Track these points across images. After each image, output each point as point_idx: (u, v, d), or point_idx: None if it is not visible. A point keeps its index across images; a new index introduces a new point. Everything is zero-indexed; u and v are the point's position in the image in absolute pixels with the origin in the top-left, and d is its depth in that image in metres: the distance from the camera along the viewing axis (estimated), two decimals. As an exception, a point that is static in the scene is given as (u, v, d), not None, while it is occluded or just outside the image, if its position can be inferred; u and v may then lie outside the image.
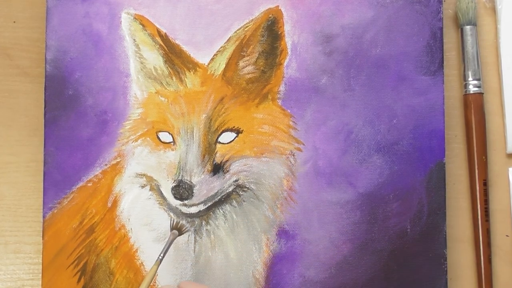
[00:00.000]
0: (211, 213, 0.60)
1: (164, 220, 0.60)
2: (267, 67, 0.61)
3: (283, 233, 0.60)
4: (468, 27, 0.64)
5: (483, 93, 0.64)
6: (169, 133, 0.61)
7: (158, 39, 0.61)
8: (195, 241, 0.60)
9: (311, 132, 0.61)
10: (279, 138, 0.61)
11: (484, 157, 0.63)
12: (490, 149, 0.64)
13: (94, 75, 0.61)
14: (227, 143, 0.60)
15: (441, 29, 0.61)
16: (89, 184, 0.60)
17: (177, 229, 0.59)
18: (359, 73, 0.61)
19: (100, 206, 0.60)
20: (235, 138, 0.60)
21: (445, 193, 0.60)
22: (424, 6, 0.61)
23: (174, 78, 0.61)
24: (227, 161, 0.60)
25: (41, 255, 0.60)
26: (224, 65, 0.61)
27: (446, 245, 0.60)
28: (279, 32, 0.61)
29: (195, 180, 0.59)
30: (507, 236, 0.63)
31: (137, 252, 0.60)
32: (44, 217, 0.60)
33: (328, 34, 0.61)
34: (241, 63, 0.61)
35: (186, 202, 0.60)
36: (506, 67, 0.64)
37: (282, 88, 0.61)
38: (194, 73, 0.61)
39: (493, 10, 0.65)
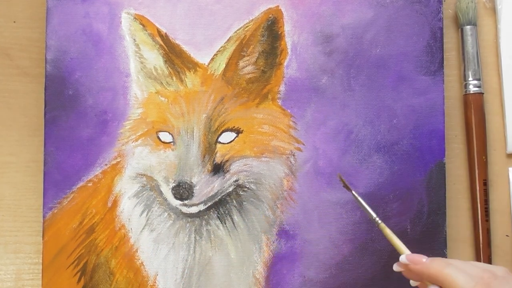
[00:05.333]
0: (211, 213, 0.60)
1: (164, 221, 0.60)
2: (267, 67, 0.61)
3: (283, 233, 0.60)
4: (468, 27, 0.64)
5: (483, 93, 0.64)
6: (169, 133, 0.61)
7: (158, 39, 0.61)
8: (195, 241, 0.60)
9: (311, 132, 0.61)
10: (279, 138, 0.61)
11: (484, 157, 0.63)
12: (490, 149, 0.64)
13: (94, 75, 0.61)
14: (227, 143, 0.60)
15: (441, 29, 0.61)
16: (89, 184, 0.60)
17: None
18: (359, 73, 0.61)
19: (100, 206, 0.60)
20: (235, 138, 0.60)
21: (445, 193, 0.60)
22: (424, 6, 0.61)
23: (174, 78, 0.61)
24: (227, 161, 0.60)
25: (41, 255, 0.60)
26: (224, 65, 0.61)
27: (446, 245, 0.60)
28: (279, 32, 0.61)
29: (195, 180, 0.59)
30: (507, 236, 0.63)
31: (137, 252, 0.60)
32: (44, 217, 0.60)
33: (328, 34, 0.61)
34: (241, 63, 0.61)
35: (186, 202, 0.60)
36: (506, 67, 0.64)
37: (282, 88, 0.61)
38: (194, 73, 0.61)
39: (493, 10, 0.65)
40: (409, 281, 0.51)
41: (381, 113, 0.61)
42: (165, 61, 0.61)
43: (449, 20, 0.65)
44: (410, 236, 0.60)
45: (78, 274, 0.60)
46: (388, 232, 0.52)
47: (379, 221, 0.53)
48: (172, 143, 0.61)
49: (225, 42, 0.61)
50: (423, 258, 0.48)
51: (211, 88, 0.61)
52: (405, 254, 0.50)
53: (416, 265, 0.48)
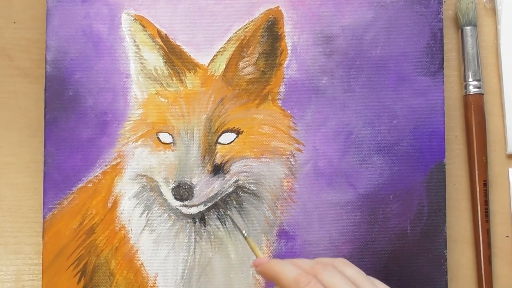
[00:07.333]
0: (212, 213, 0.60)
1: (164, 221, 0.60)
2: (267, 67, 0.61)
3: (283, 234, 0.60)
4: (468, 28, 0.64)
5: (483, 94, 0.64)
6: (169, 133, 0.61)
7: (159, 39, 0.61)
8: (195, 241, 0.60)
9: (311, 133, 0.61)
10: (279, 139, 0.61)
11: (484, 158, 0.63)
12: (490, 150, 0.64)
13: (94, 76, 0.61)
14: (227, 143, 0.60)
15: (441, 30, 0.61)
16: (89, 185, 0.61)
17: None
18: (359, 73, 0.61)
19: (100, 207, 0.60)
20: (235, 138, 0.60)
21: (445, 193, 0.60)
22: (424, 7, 0.61)
23: (174, 78, 0.61)
24: (227, 161, 0.60)
25: (41, 256, 0.60)
26: (224, 66, 0.61)
27: (446, 245, 0.60)
28: (279, 33, 0.61)
29: (195, 180, 0.59)
30: (507, 236, 0.63)
31: (137, 253, 0.60)
32: (44, 217, 0.60)
33: (328, 35, 0.61)
34: (241, 64, 0.61)
35: (186, 202, 0.60)
36: (506, 68, 0.64)
37: (282, 88, 0.61)
38: (194, 74, 0.61)
39: (493, 11, 0.65)
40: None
41: (381, 114, 0.61)
42: (165, 62, 0.61)
43: (449, 21, 0.65)
44: (410, 237, 0.60)
45: (78, 274, 0.60)
46: (250, 240, 0.54)
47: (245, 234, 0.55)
48: (172, 144, 0.61)
49: (225, 43, 0.61)
50: (265, 260, 0.50)
51: (211, 89, 0.61)
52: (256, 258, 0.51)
53: (258, 267, 0.49)
